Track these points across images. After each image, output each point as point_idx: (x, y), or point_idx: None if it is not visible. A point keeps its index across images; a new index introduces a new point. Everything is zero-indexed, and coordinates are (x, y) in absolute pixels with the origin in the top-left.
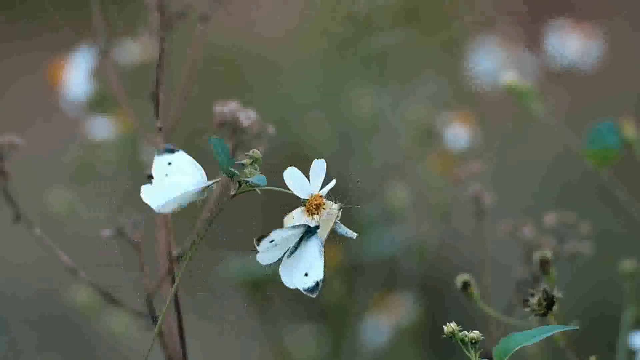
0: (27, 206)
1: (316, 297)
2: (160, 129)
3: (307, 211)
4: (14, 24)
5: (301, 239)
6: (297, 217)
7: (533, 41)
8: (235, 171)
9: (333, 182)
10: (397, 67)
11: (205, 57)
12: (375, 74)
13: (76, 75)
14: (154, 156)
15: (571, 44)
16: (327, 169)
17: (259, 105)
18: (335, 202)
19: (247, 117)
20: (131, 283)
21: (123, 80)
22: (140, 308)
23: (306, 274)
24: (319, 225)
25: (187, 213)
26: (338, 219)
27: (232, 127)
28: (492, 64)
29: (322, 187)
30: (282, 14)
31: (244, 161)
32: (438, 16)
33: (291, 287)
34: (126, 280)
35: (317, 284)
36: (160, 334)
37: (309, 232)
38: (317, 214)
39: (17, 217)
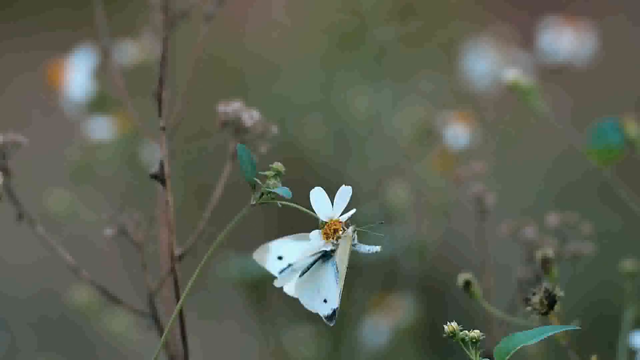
0: (27, 206)
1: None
2: (163, 128)
3: (324, 234)
4: (12, 23)
5: (316, 260)
6: (314, 238)
7: (527, 39)
8: (259, 181)
9: (353, 211)
10: (395, 66)
11: (205, 56)
12: (374, 73)
13: (75, 76)
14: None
15: (564, 41)
16: (325, 169)
17: (258, 106)
18: (349, 225)
19: (251, 117)
20: (131, 283)
21: (123, 80)
22: (141, 308)
23: (325, 301)
24: (335, 249)
25: (187, 213)
26: (355, 240)
27: (235, 127)
28: (487, 63)
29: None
30: (281, 14)
31: (266, 172)
32: (434, 15)
33: (311, 310)
34: (127, 281)
35: (334, 312)
36: (162, 334)
37: (325, 255)
38: (333, 238)
39: (20, 216)
